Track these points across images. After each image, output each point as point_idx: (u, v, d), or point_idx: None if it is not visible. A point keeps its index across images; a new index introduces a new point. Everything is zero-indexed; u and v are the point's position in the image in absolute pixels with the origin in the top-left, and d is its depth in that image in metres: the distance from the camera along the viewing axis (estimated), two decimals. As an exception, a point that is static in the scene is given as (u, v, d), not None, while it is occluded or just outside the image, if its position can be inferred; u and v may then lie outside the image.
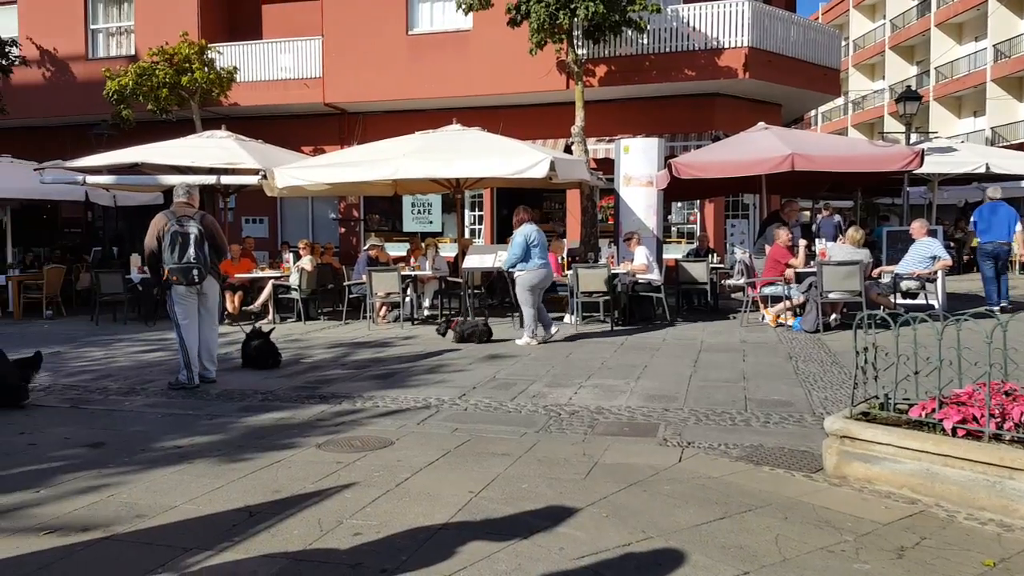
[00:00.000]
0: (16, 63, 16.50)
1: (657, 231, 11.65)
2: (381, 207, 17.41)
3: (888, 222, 19.76)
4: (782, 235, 9.82)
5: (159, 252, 6.53)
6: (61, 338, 10.12)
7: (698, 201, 15.39)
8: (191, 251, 6.47)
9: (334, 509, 3.58)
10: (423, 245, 12.85)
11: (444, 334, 9.23)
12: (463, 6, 13.14)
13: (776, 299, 9.79)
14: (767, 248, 10.25)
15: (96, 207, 16.47)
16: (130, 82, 14.36)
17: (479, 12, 13.18)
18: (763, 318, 10.08)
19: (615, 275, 10.08)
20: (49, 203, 16.59)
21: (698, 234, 14.31)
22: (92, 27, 17.87)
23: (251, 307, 11.68)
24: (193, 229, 6.52)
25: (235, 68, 15.50)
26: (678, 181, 10.28)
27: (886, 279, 9.82)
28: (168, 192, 14.23)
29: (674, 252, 14.45)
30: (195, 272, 6.51)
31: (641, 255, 10.53)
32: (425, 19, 15.89)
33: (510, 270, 8.85)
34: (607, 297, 9.86)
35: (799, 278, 9.57)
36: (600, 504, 3.60)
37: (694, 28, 14.19)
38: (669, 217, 15.39)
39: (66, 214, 18.55)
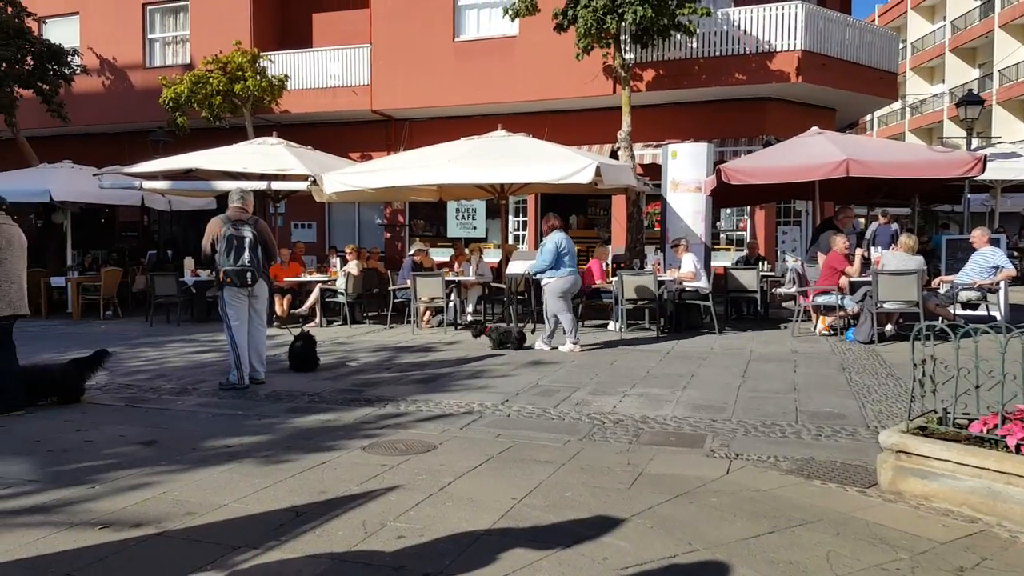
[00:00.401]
0: (78, 72, 17.09)
1: (705, 238, 11.48)
2: (426, 213, 17.55)
3: (947, 230, 19.16)
4: (840, 241, 9.55)
5: (212, 255, 6.72)
6: (117, 338, 10.43)
7: (748, 207, 15.12)
8: (246, 255, 6.64)
9: (378, 511, 3.60)
10: (467, 251, 12.91)
11: (478, 337, 9.36)
12: (510, 12, 13.18)
13: (829, 308, 9.54)
14: (820, 256, 10.01)
15: (152, 211, 17.01)
16: (185, 90, 14.75)
17: (525, 18, 13.19)
18: (815, 328, 9.84)
19: (661, 282, 9.96)
20: (107, 207, 17.13)
21: (748, 241, 14.04)
22: (150, 36, 18.44)
23: (299, 310, 11.88)
24: (248, 233, 6.69)
25: (286, 76, 15.82)
26: (727, 187, 10.12)
27: (945, 289, 9.49)
28: (220, 197, 14.61)
29: (723, 259, 14.22)
30: (249, 275, 6.67)
31: (689, 262, 10.39)
32: (472, 26, 15.98)
33: (537, 276, 8.84)
34: (653, 305, 9.75)
35: (853, 288, 9.31)
36: (645, 515, 3.54)
37: (745, 31, 13.98)
38: (718, 224, 15.17)
39: (123, 218, 19.14)
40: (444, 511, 3.60)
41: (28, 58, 16.04)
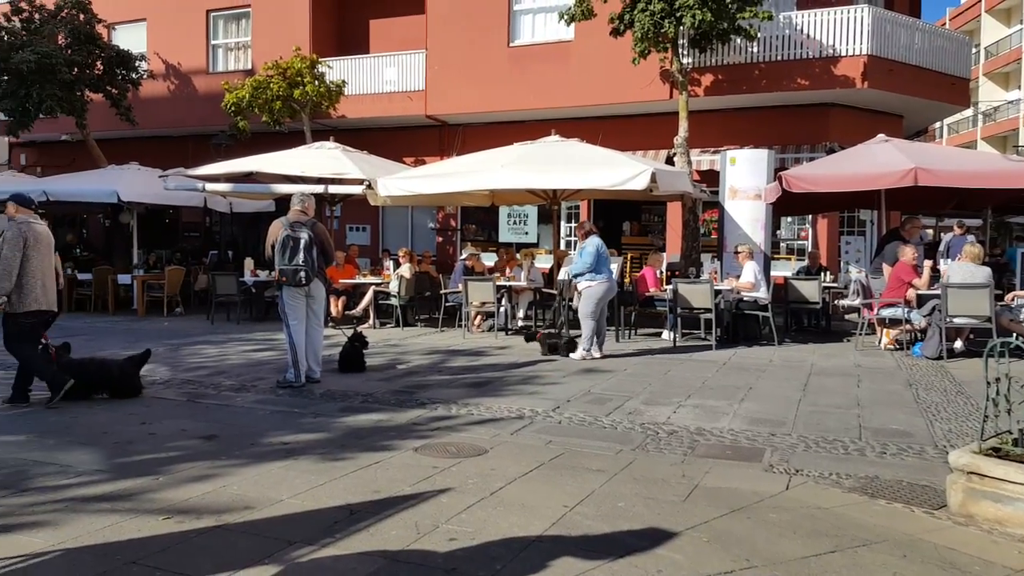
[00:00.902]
0: (144, 77, 17.71)
1: (765, 247, 11.23)
2: (478, 217, 17.62)
3: (1022, 243, 18.35)
4: (908, 252, 9.21)
5: (273, 255, 6.90)
6: (179, 335, 10.74)
7: (810, 216, 14.72)
8: (300, 255, 6.78)
9: (430, 513, 3.61)
10: (519, 256, 12.90)
11: (529, 341, 9.44)
12: (565, 17, 13.15)
13: (895, 322, 9.21)
14: (885, 268, 9.69)
15: (213, 213, 17.47)
16: (246, 95, 15.13)
17: (581, 23, 13.14)
18: (880, 342, 9.52)
19: (718, 291, 9.78)
20: (171, 208, 17.68)
21: (809, 251, 13.68)
22: (213, 43, 18.96)
23: (353, 312, 12.05)
24: (304, 235, 6.84)
25: (343, 81, 16.10)
26: (789, 195, 9.88)
27: (1018, 304, 9.07)
28: (279, 200, 14.94)
29: (783, 269, 13.89)
30: (302, 274, 6.80)
31: (749, 271, 10.16)
32: (527, 31, 16.00)
33: (576, 279, 8.79)
34: (709, 314, 9.57)
35: (920, 301, 8.98)
36: (700, 528, 3.47)
37: (808, 35, 13.65)
38: (778, 232, 14.81)
39: (186, 219, 19.74)
40: (495, 515, 3.59)
41: (98, 63, 16.71)
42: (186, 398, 6.43)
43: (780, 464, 4.54)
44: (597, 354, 8.62)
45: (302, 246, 6.79)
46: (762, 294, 10.19)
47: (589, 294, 8.61)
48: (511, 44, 15.88)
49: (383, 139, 16.79)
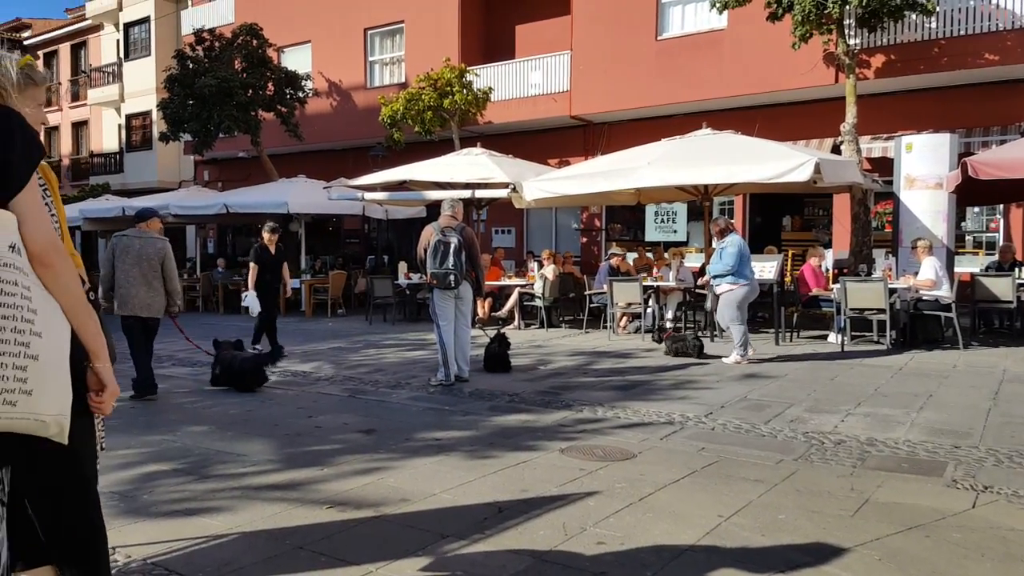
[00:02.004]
0: (310, 95, 19.04)
1: (947, 240, 10.20)
2: (623, 216, 17.37)
3: None
4: None
5: (425, 259, 7.17)
6: (341, 335, 11.41)
7: (1001, 206, 13.23)
8: (450, 259, 7.01)
9: (578, 515, 3.55)
10: (667, 255, 12.56)
11: (659, 343, 9.26)
12: (717, 5, 12.63)
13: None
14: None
15: (371, 220, 18.47)
16: (400, 107, 15.85)
17: (735, 9, 12.57)
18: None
19: (893, 290, 8.98)
20: (334, 216, 18.89)
21: (1000, 244, 12.27)
22: (370, 59, 20.02)
23: (499, 313, 12.25)
24: (454, 239, 7.06)
25: (490, 88, 16.45)
26: (975, 183, 8.89)
27: None
28: (430, 206, 15.52)
29: (969, 265, 12.57)
30: (451, 277, 7.04)
31: (929, 267, 9.24)
32: (676, 23, 15.56)
33: (716, 280, 8.27)
34: (883, 315, 8.80)
35: None
36: (871, 545, 3.17)
37: (997, 5, 12.26)
38: (962, 224, 13.43)
39: (347, 226, 20.97)
40: (645, 521, 3.47)
41: (270, 84, 18.15)
42: (348, 394, 6.80)
43: (965, 480, 4.08)
44: (745, 359, 8.16)
45: (452, 250, 7.01)
46: (944, 292, 9.24)
47: (730, 299, 8.14)
48: (659, 38, 15.52)
49: (528, 142, 16.98)
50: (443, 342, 7.09)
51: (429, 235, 7.16)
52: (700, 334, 9.51)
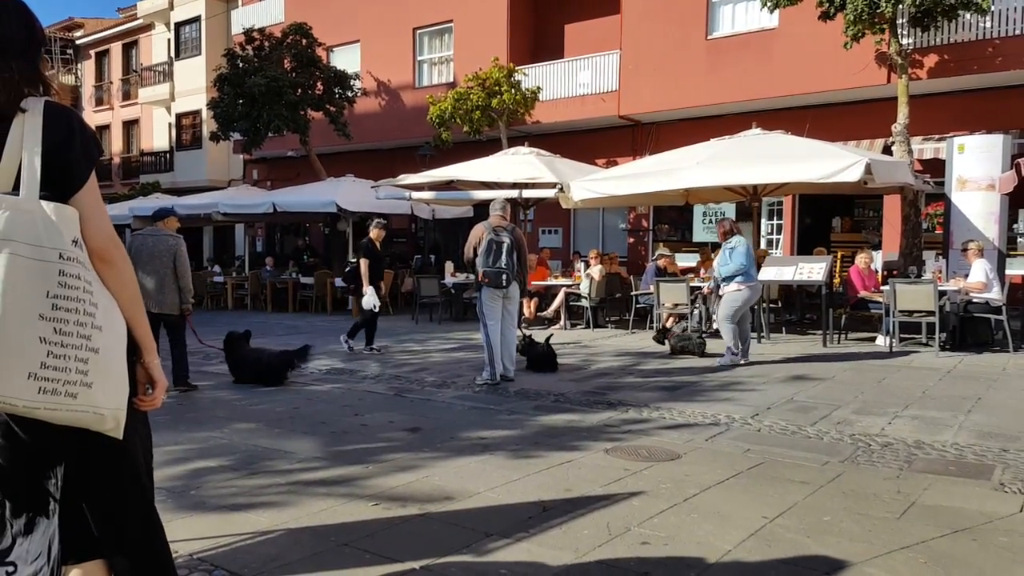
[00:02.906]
0: (358, 95, 19.24)
1: (999, 243, 9.95)
2: (670, 217, 17.26)
3: None
4: None
5: (474, 257, 7.25)
6: (387, 334, 11.59)
7: (1057, 207, 12.84)
8: (503, 259, 7.11)
9: (622, 515, 3.59)
10: (713, 256, 12.46)
11: (661, 343, 9.22)
12: (768, 4, 12.47)
13: None
14: None
15: (418, 220, 18.67)
16: (449, 107, 15.97)
17: (786, 8, 12.40)
18: None
19: (943, 292, 8.80)
20: (382, 216, 19.05)
21: (1055, 247, 11.94)
22: (419, 59, 20.21)
23: (545, 313, 12.30)
24: (506, 239, 7.17)
25: (538, 88, 16.48)
26: (1029, 184, 8.68)
27: None
28: (477, 206, 15.64)
29: (1021, 267, 12.22)
30: (504, 276, 7.13)
31: (979, 270, 9.04)
32: (726, 22, 15.40)
33: (724, 281, 8.27)
34: (932, 318, 8.63)
35: None
36: (917, 548, 3.16)
37: (1055, 2, 11.89)
38: (1015, 226, 13.05)
39: (395, 225, 21.15)
40: (689, 522, 3.50)
41: (319, 84, 18.38)
42: (394, 392, 6.92)
43: (1013, 483, 4.01)
44: (742, 360, 8.17)
45: (505, 250, 7.11)
46: (995, 295, 9.01)
47: (734, 298, 8.12)
48: (709, 37, 15.38)
49: (575, 142, 16.98)
50: (490, 341, 7.18)
51: (480, 234, 7.22)
52: (704, 332, 9.47)
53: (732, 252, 8.23)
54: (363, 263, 9.39)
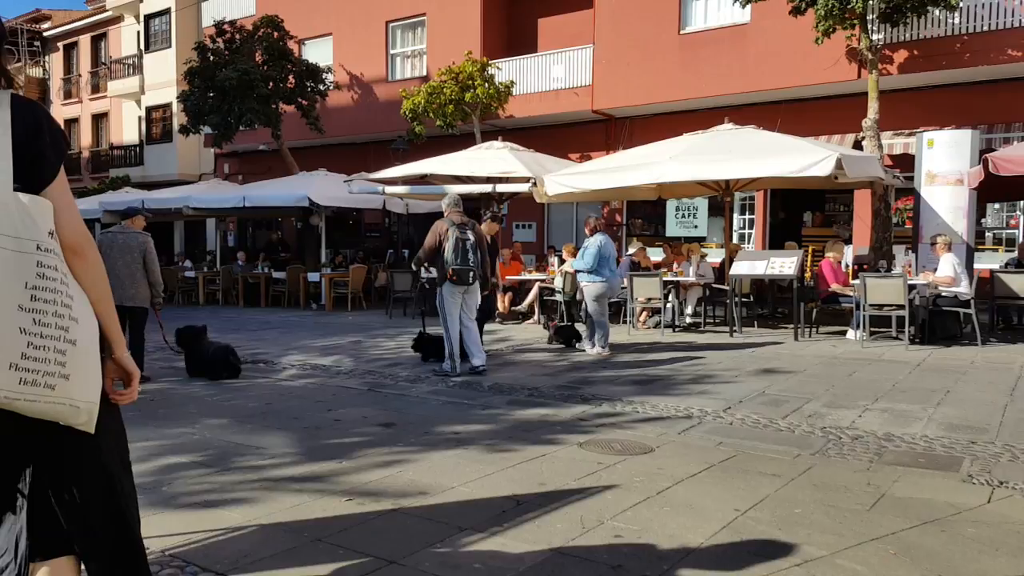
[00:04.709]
0: (331, 88, 19.06)
1: (968, 237, 10.13)
2: (644, 211, 17.33)
3: None
4: None
5: (439, 254, 7.26)
6: (361, 328, 11.52)
7: (1022, 202, 13.11)
8: (470, 255, 7.20)
9: (595, 508, 3.60)
10: (685, 250, 12.53)
11: (550, 342, 9.52)
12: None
13: None
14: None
15: (392, 214, 18.55)
16: (422, 101, 15.89)
17: (758, 3, 12.49)
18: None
19: (912, 286, 8.94)
20: (355, 210, 18.96)
21: (1020, 241, 12.16)
22: (392, 52, 20.04)
23: (518, 307, 12.29)
24: (471, 236, 7.26)
25: (512, 82, 16.45)
26: (996, 179, 8.85)
27: None
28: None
29: (989, 261, 12.46)
30: (471, 274, 7.23)
31: (947, 264, 9.20)
32: (699, 17, 15.48)
33: (579, 276, 8.74)
34: (902, 312, 8.77)
35: None
36: (886, 540, 3.20)
37: (1020, 1, 12.10)
38: (983, 221, 13.31)
39: (368, 220, 21.09)
40: (662, 515, 3.51)
41: (291, 77, 18.20)
42: (367, 387, 6.88)
43: (981, 475, 4.08)
44: (607, 351, 8.51)
45: (470, 247, 7.19)
46: (963, 289, 9.18)
47: (588, 292, 8.55)
48: (682, 31, 15.45)
49: (549, 136, 16.98)
50: (450, 336, 7.30)
51: (443, 229, 7.26)
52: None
53: (584, 251, 8.59)
54: None
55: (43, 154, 1.73)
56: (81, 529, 1.80)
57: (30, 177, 1.70)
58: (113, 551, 1.87)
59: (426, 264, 7.65)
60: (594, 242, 8.53)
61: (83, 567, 1.88)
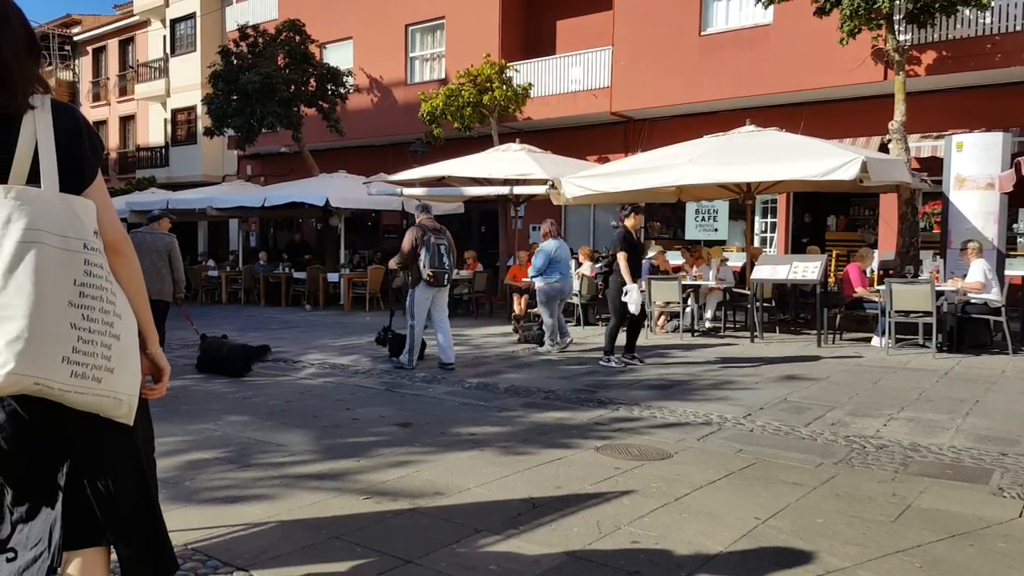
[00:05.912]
0: (351, 91, 19.19)
1: (998, 242, 9.91)
2: (663, 214, 17.20)
3: None
4: None
5: (415, 258, 7.69)
6: (377, 328, 11.48)
7: (1057, 207, 12.83)
8: (446, 259, 7.74)
9: (612, 513, 3.54)
10: (707, 254, 12.41)
11: (521, 341, 9.88)
12: (763, 0, 12.42)
13: None
14: None
15: (410, 216, 18.53)
16: (440, 103, 15.89)
17: (781, 4, 12.34)
18: None
19: (940, 293, 8.75)
20: (374, 212, 19.05)
21: (1055, 247, 11.92)
22: (411, 55, 20.10)
23: (535, 309, 12.20)
24: (444, 241, 7.77)
25: (530, 84, 16.39)
26: (1028, 183, 8.65)
27: None
28: (468, 202, 15.56)
29: (1021, 268, 12.21)
30: (446, 276, 7.78)
31: (978, 270, 8.98)
32: (720, 18, 15.34)
33: (533, 277, 9.27)
34: (929, 318, 8.59)
35: None
36: (912, 552, 3.11)
37: (1057, -2, 11.84)
38: (1014, 226, 13.03)
39: (386, 221, 21.15)
40: (680, 521, 3.45)
41: (312, 80, 18.34)
42: (385, 387, 6.88)
43: (1012, 488, 3.96)
44: (555, 349, 8.95)
45: (444, 251, 7.72)
46: (993, 296, 8.98)
47: (540, 292, 9.03)
48: (703, 33, 15.32)
49: (567, 138, 16.91)
50: (415, 332, 7.84)
51: (418, 235, 7.70)
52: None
53: (537, 254, 9.14)
54: (621, 257, 7.89)
55: (84, 156, 1.81)
56: (114, 517, 1.86)
57: (72, 178, 1.77)
58: (144, 538, 1.94)
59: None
60: (545, 247, 9.08)
61: (113, 555, 1.92)
